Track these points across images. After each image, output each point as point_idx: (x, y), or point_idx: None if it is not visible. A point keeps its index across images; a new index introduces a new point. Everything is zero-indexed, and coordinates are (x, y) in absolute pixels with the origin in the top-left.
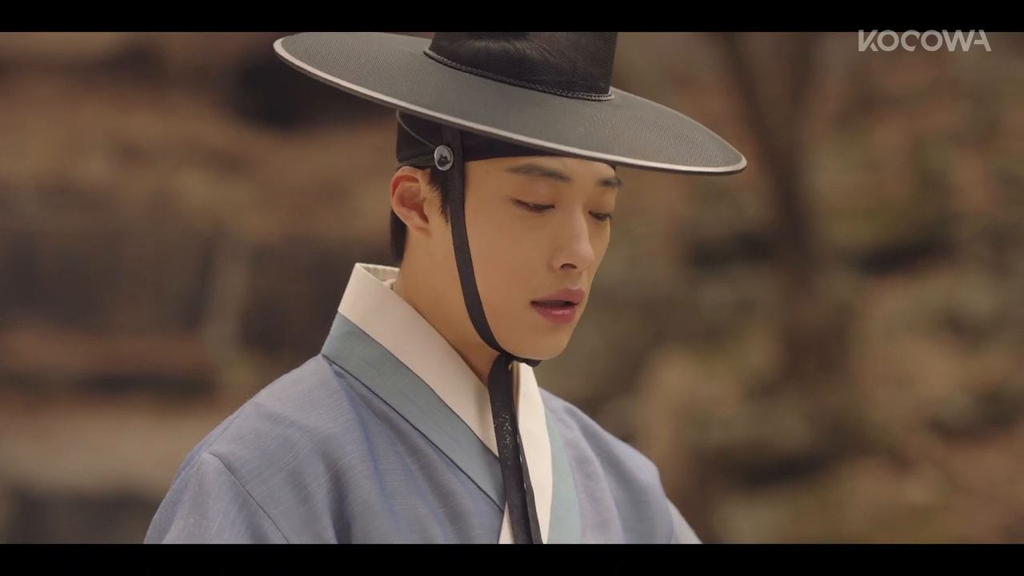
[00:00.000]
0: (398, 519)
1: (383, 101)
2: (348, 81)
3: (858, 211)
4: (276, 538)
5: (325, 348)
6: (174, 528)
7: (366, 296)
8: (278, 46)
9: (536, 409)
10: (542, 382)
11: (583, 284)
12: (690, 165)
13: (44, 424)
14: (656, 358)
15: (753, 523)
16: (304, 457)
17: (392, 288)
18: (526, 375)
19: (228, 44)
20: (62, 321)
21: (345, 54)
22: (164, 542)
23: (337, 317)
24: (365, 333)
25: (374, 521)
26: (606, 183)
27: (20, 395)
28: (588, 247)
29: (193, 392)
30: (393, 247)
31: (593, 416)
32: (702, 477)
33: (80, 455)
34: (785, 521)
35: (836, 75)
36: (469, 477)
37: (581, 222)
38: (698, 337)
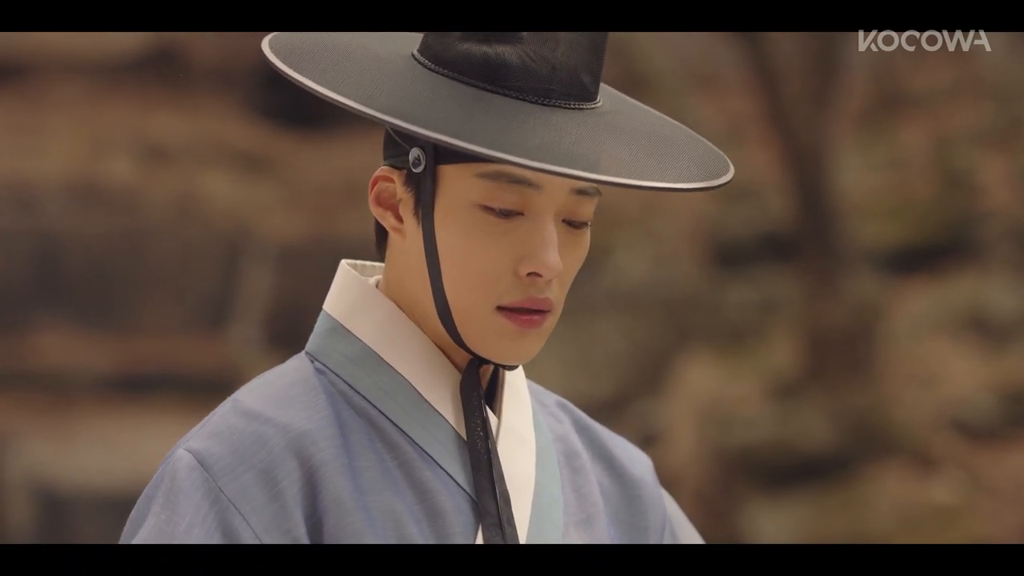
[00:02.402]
0: (372, 516)
1: (337, 101)
2: (311, 79)
3: (882, 211)
4: (247, 535)
5: (308, 345)
6: (146, 524)
7: (349, 293)
8: (264, 43)
9: (522, 404)
10: (564, 383)
11: (552, 293)
12: (648, 180)
13: (68, 424)
14: (680, 358)
15: (777, 523)
16: (277, 454)
17: (377, 286)
18: (512, 370)
19: (252, 44)
20: (86, 321)
21: (323, 53)
22: (136, 538)
23: (321, 314)
24: (347, 330)
25: (346, 518)
26: (581, 192)
27: (44, 395)
28: (555, 256)
29: (217, 392)
30: (377, 246)
31: (617, 417)
32: (726, 477)
33: (104, 455)
34: (809, 521)
35: (860, 74)
36: (448, 474)
37: (550, 231)
38: (722, 337)
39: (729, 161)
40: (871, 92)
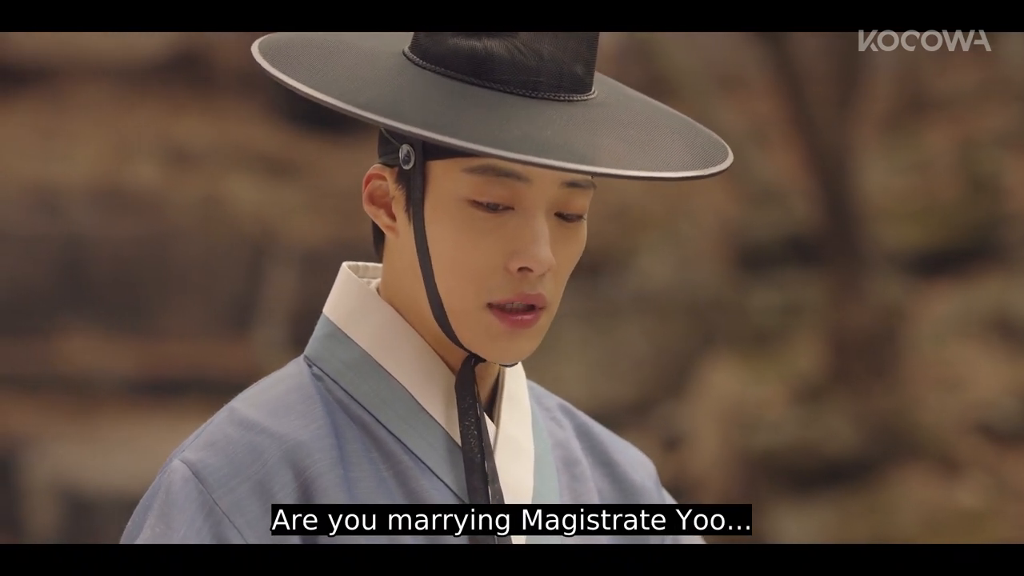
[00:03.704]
0: None
1: (314, 97)
2: (292, 77)
3: (907, 213)
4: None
5: (307, 349)
6: (142, 536)
7: (348, 297)
8: (254, 46)
9: (521, 412)
10: (587, 386)
11: (545, 288)
12: (630, 168)
13: (94, 427)
14: (704, 362)
15: (801, 527)
16: (273, 465)
17: (378, 288)
18: (512, 375)
19: None
20: (112, 325)
21: (309, 52)
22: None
23: (321, 318)
24: (345, 335)
25: None
26: (572, 185)
27: (70, 398)
28: (547, 251)
29: None
30: (375, 246)
31: (640, 420)
32: (750, 481)
33: (130, 458)
34: (833, 525)
35: (885, 77)
36: (444, 482)
37: (541, 225)
38: (746, 340)
39: (728, 149)
40: (896, 94)
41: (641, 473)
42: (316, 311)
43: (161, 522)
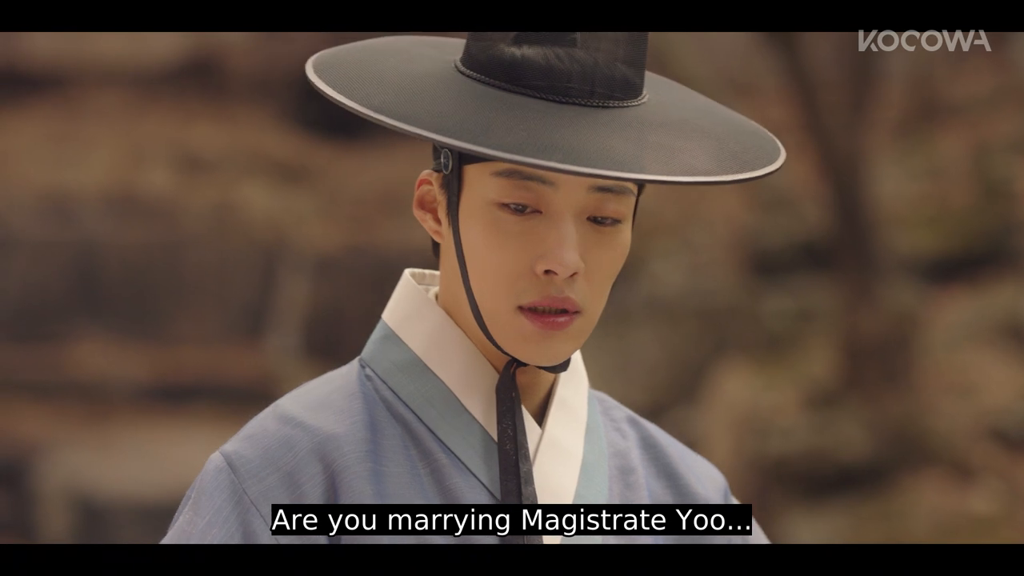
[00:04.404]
0: None
1: (345, 105)
2: (328, 84)
3: (920, 220)
4: (265, 537)
5: (363, 352)
6: (175, 526)
7: (406, 302)
8: (308, 66)
9: (572, 418)
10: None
11: (575, 293)
12: (617, 170)
13: (107, 433)
14: (717, 367)
15: (814, 533)
16: (302, 457)
17: (437, 294)
18: (568, 383)
19: (290, 54)
20: (125, 331)
21: (351, 58)
22: (164, 538)
23: (379, 322)
24: (399, 338)
25: None
26: (603, 190)
27: (83, 405)
28: (572, 254)
29: (255, 402)
30: (433, 252)
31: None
32: (763, 487)
33: (142, 465)
34: (846, 531)
35: (898, 83)
36: (480, 480)
37: (567, 228)
38: (759, 346)
39: (781, 153)
40: (909, 100)
41: (708, 486)
42: (328, 317)
43: (191, 510)
